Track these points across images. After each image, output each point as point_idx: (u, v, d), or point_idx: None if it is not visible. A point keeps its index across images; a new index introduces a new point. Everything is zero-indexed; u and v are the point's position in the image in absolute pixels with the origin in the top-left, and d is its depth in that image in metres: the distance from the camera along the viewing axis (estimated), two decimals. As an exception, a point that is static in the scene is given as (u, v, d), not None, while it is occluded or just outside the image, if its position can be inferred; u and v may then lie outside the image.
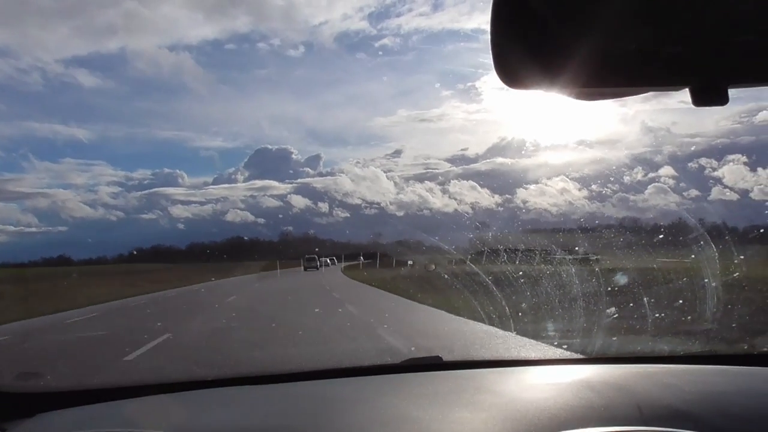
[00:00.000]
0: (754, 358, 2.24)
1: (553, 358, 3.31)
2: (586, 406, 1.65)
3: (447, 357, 2.28)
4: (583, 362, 2.44)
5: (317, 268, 40.53)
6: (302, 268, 40.93)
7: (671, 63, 0.72)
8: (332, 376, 2.14)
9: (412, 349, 6.08)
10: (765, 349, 2.38)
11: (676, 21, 0.70)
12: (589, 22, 0.70)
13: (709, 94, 0.73)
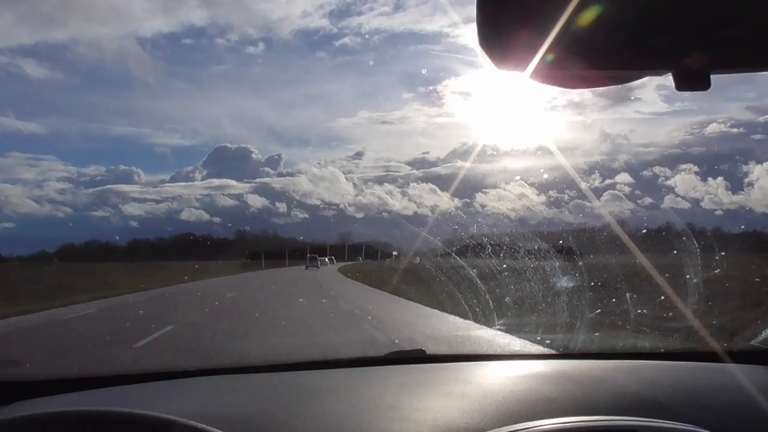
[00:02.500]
0: (732, 355, 2.27)
1: (536, 353, 3.33)
2: (567, 397, 1.67)
3: (431, 350, 2.29)
4: (564, 357, 2.46)
5: (317, 267, 42.55)
6: (304, 266, 42.72)
7: (656, 48, 0.73)
8: (317, 367, 2.14)
9: (396, 341, 6.11)
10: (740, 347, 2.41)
11: (661, 6, 0.70)
12: (576, 4, 0.70)
13: (691, 79, 0.73)
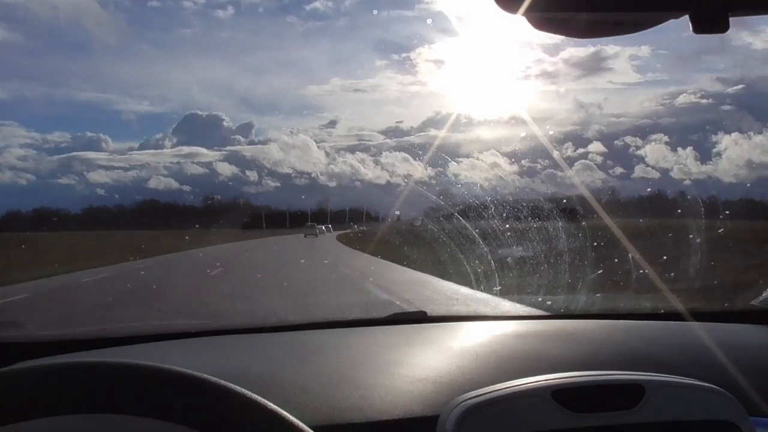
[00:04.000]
0: (732, 316, 2.29)
1: (537, 314, 3.35)
2: (569, 355, 1.68)
3: (432, 312, 2.30)
4: (566, 317, 2.48)
5: (316, 235, 41.36)
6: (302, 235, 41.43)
7: None
8: (320, 328, 2.15)
9: (397, 303, 6.15)
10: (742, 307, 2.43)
11: None
12: None
13: (709, 21, 0.70)
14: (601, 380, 1.21)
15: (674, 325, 2.12)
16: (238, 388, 0.85)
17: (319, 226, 43.87)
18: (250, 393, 0.85)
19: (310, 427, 0.86)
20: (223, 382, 0.85)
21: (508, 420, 1.13)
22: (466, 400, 1.17)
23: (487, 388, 1.20)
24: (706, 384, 1.24)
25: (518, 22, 0.75)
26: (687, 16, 0.70)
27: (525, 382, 1.20)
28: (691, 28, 0.70)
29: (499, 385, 1.20)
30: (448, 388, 1.34)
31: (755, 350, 1.86)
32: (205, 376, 0.84)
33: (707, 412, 1.20)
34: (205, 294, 10.72)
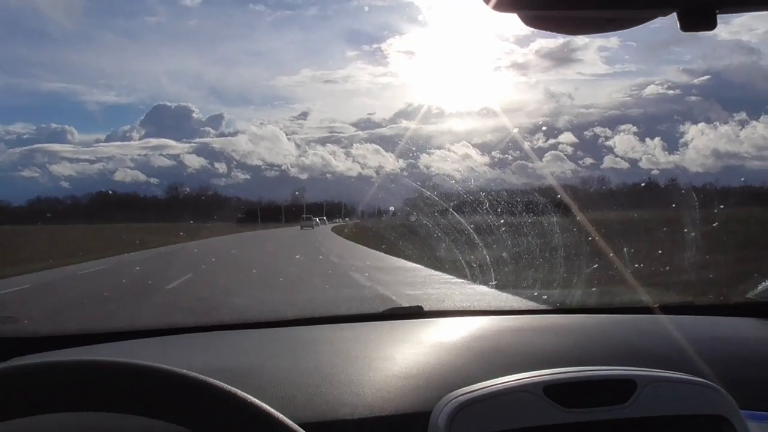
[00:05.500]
0: (727, 309, 2.29)
1: (532, 308, 3.36)
2: (562, 350, 1.69)
3: (428, 307, 2.30)
4: (561, 312, 2.48)
5: (312, 227, 41.74)
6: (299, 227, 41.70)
7: None
8: (314, 323, 2.15)
9: (394, 298, 6.17)
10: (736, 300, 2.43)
11: None
12: None
13: (697, 19, 0.69)
14: (593, 375, 1.22)
15: (668, 318, 2.13)
16: (222, 385, 0.84)
17: (314, 219, 44.03)
18: (236, 390, 0.85)
19: (301, 425, 0.86)
20: (206, 378, 0.84)
21: (499, 416, 1.14)
22: (458, 396, 1.17)
23: (478, 384, 1.21)
24: (698, 378, 1.25)
25: (509, 19, 0.75)
26: (675, 15, 0.70)
27: (516, 378, 1.20)
28: (678, 26, 0.70)
29: (490, 381, 1.20)
30: (440, 384, 1.34)
31: (749, 343, 1.86)
32: (188, 372, 0.84)
33: (698, 407, 1.21)
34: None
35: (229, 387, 0.84)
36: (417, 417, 1.22)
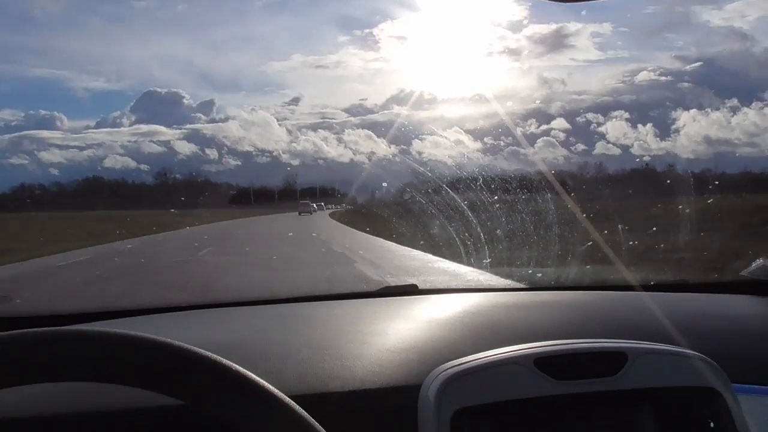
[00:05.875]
0: (721, 287, 2.30)
1: (525, 285, 3.36)
2: (554, 324, 1.69)
3: (423, 285, 2.30)
4: (554, 289, 2.49)
5: (311, 213, 41.75)
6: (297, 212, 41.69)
7: None
8: (307, 301, 2.14)
9: (388, 277, 6.18)
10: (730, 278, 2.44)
11: None
12: None
13: None
14: (584, 348, 1.21)
15: (661, 295, 2.13)
16: (206, 353, 0.83)
17: (312, 205, 44.01)
18: (221, 359, 0.84)
19: (291, 398, 0.86)
20: (190, 347, 0.83)
21: (490, 388, 1.13)
22: (448, 368, 1.17)
23: (469, 356, 1.20)
24: (689, 351, 1.25)
25: (502, 2, 0.73)
26: None
27: (508, 351, 1.20)
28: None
29: (481, 353, 1.20)
30: (432, 357, 1.34)
31: (741, 319, 1.86)
32: (172, 341, 0.83)
33: (689, 379, 1.20)
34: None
35: (214, 355, 0.83)
36: (408, 390, 1.22)
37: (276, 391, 0.84)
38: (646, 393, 1.20)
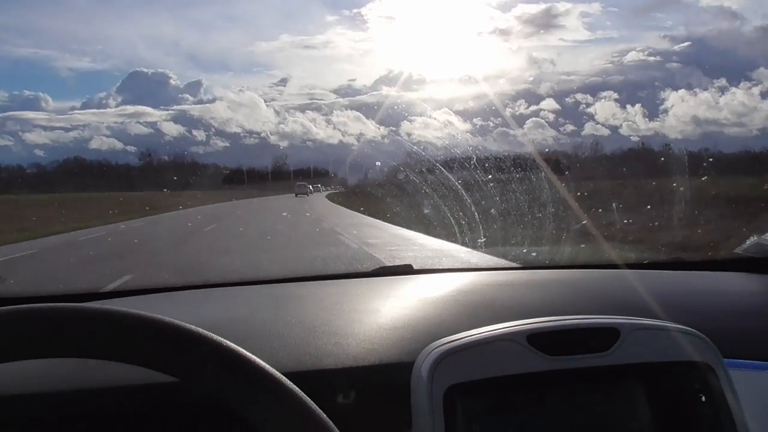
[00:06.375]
0: (716, 264, 2.30)
1: (520, 265, 3.37)
2: (548, 302, 1.69)
3: (418, 266, 2.30)
4: (548, 267, 2.49)
5: (307, 195, 41.67)
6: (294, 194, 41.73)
7: None
8: (301, 281, 2.14)
9: (382, 258, 6.19)
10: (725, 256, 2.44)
11: None
12: None
13: None
14: (576, 324, 1.21)
15: (655, 273, 2.13)
16: (199, 330, 0.83)
17: (308, 187, 43.95)
18: (213, 335, 0.83)
19: (284, 374, 0.85)
20: (181, 323, 0.83)
21: (483, 364, 1.13)
22: (441, 345, 1.17)
23: (462, 333, 1.20)
24: (681, 326, 1.24)
25: None
26: None
27: (500, 327, 1.19)
28: None
29: (474, 330, 1.20)
30: (425, 335, 1.33)
31: (734, 296, 1.87)
32: (162, 318, 0.83)
33: (681, 354, 1.21)
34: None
35: (206, 332, 0.83)
36: (401, 366, 1.21)
37: (267, 366, 0.83)
38: (639, 368, 1.20)
